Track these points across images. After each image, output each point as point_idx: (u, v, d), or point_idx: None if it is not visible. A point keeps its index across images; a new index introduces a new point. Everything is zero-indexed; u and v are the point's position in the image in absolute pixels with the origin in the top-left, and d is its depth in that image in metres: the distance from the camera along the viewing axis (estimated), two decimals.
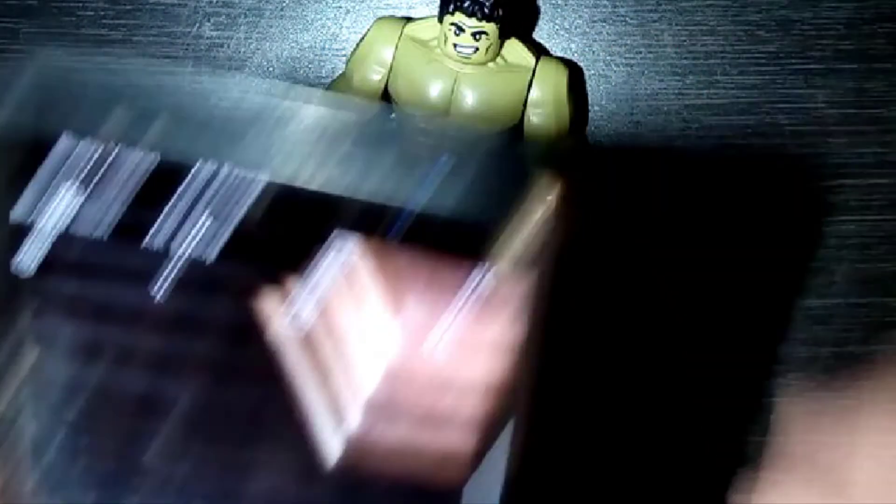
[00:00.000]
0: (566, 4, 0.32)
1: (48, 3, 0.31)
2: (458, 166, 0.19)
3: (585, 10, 0.32)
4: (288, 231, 0.19)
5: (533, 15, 0.32)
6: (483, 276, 0.19)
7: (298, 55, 0.32)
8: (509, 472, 0.20)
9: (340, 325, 0.19)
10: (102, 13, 0.31)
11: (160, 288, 0.19)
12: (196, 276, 0.19)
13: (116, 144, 0.19)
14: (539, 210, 0.19)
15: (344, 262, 0.19)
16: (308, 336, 0.19)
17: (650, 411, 0.32)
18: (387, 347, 0.19)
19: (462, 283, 0.19)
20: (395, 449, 0.19)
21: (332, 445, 0.19)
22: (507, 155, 0.19)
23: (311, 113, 0.19)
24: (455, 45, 0.30)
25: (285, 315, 0.19)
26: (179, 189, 0.19)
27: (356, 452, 0.19)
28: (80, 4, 0.31)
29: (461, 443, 0.19)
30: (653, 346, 0.32)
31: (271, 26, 0.32)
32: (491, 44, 0.30)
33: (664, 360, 0.32)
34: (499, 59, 0.30)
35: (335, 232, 0.19)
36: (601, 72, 0.32)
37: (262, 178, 0.18)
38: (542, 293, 0.19)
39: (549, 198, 0.19)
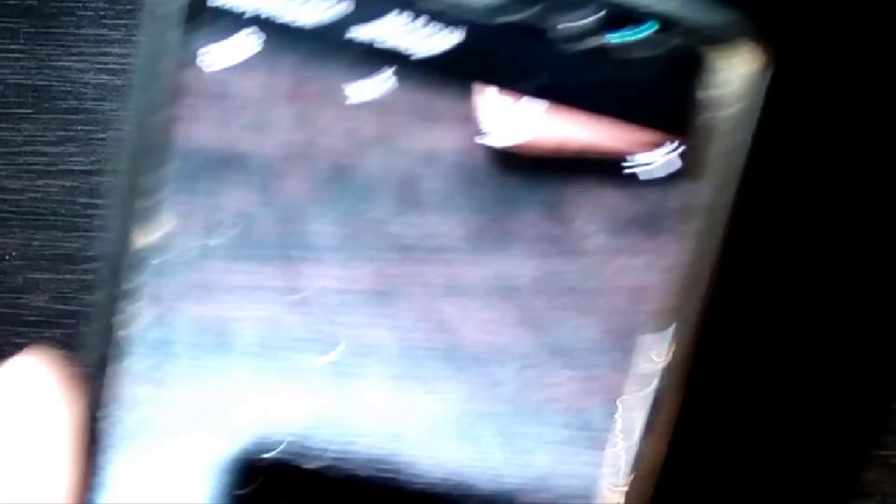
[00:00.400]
0: None
1: (48, 3, 0.31)
2: (660, 29, 0.19)
3: None
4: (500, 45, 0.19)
5: None
6: (677, 146, 0.19)
7: None
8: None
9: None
10: (102, 13, 0.31)
11: (365, 88, 0.19)
12: (408, 78, 0.19)
13: None
14: (739, 84, 0.19)
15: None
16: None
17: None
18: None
19: (653, 150, 0.20)
20: None
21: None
22: (710, 24, 0.19)
23: None
24: None
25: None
26: None
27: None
28: (80, 4, 0.31)
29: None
30: None
31: None
32: None
33: None
34: None
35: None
36: None
37: None
38: (735, 170, 0.19)
39: (752, 68, 0.19)
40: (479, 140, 0.19)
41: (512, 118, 0.19)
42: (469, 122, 0.19)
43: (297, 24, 0.18)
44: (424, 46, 0.19)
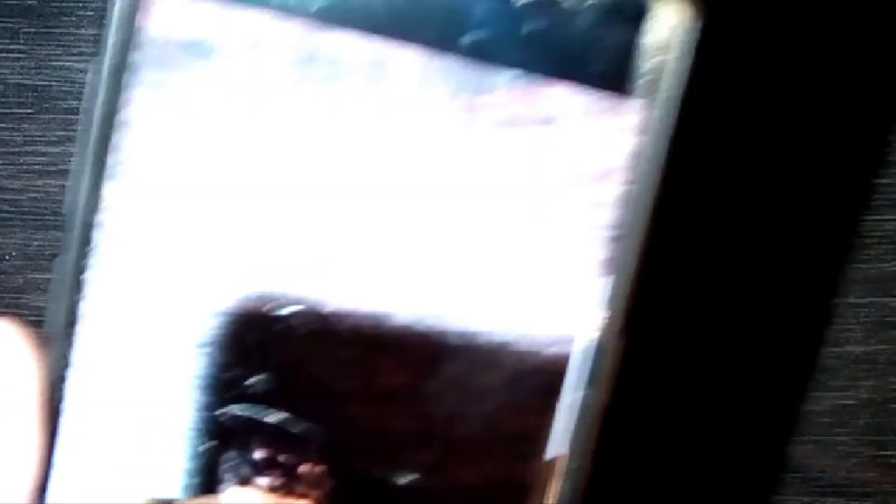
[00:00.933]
0: None
1: (48, 3, 0.31)
2: None
3: None
4: None
5: None
6: (608, 102, 0.20)
7: None
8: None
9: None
10: (102, 13, 0.31)
11: None
12: None
13: None
14: (668, 35, 0.19)
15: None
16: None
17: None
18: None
19: (588, 107, 0.20)
20: None
21: None
22: None
23: None
24: None
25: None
26: None
27: None
28: (80, 4, 0.31)
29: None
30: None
31: None
32: None
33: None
34: None
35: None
36: None
37: None
38: (667, 123, 0.20)
39: (681, 19, 0.19)
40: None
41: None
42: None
43: None
44: None
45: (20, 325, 0.20)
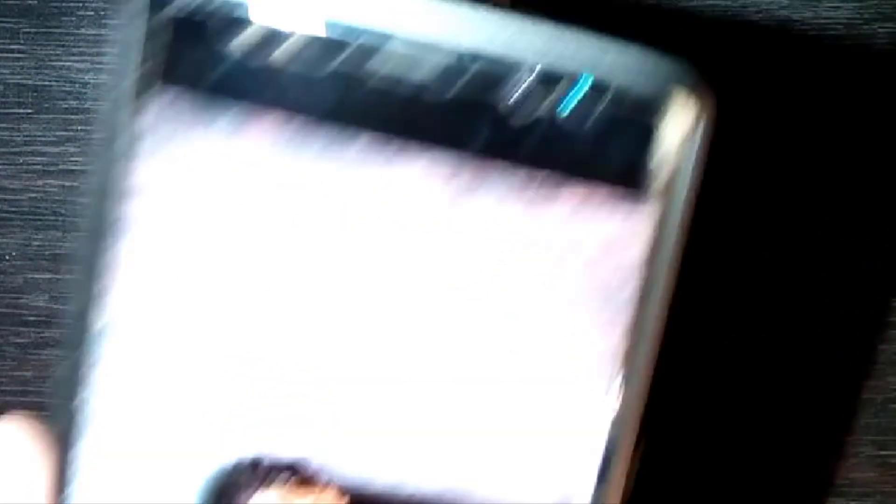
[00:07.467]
0: None
1: (48, 3, 0.31)
2: (597, 83, 0.19)
3: None
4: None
5: None
6: (621, 200, 0.19)
7: None
8: None
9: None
10: (102, 13, 0.31)
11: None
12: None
13: None
14: (682, 131, 0.19)
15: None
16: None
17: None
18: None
19: (595, 207, 0.19)
20: None
21: None
22: (649, 71, 0.19)
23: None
24: None
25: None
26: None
27: None
28: (80, 4, 0.31)
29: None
30: None
31: None
32: None
33: None
34: None
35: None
36: None
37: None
38: (682, 220, 0.19)
39: (694, 117, 0.19)
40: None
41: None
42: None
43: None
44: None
45: (28, 422, 0.20)
